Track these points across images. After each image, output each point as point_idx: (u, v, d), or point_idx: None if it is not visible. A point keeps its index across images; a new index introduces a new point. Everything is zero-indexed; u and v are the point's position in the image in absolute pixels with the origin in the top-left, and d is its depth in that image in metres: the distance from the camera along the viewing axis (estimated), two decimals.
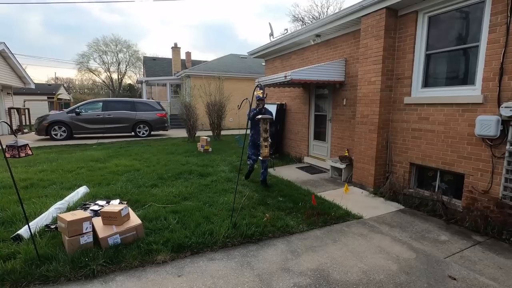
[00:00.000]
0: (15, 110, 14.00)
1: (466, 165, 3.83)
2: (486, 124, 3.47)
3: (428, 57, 4.39)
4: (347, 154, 5.86)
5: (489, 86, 3.55)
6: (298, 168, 6.75)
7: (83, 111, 11.42)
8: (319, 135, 6.98)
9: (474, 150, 3.74)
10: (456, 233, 3.45)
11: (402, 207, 4.29)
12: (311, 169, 6.62)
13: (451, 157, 4.00)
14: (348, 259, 2.87)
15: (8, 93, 14.20)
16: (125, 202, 3.88)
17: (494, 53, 3.47)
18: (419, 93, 4.49)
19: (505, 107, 3.31)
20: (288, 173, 6.22)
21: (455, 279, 2.56)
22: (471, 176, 3.78)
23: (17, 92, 17.13)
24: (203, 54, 75.34)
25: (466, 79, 3.96)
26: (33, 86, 15.45)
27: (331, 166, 6.01)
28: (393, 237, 3.35)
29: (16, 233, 2.96)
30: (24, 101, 17.42)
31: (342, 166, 5.68)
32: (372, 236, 3.37)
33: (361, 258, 2.88)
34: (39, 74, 59.00)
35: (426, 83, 4.44)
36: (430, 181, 4.49)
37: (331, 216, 3.78)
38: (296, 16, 31.59)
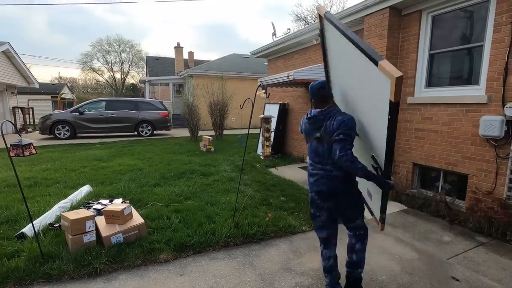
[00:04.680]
0: (19, 109, 14.10)
1: (469, 165, 3.81)
2: (491, 124, 3.44)
3: (431, 57, 4.37)
4: None
5: (493, 86, 3.52)
6: (301, 168, 6.74)
7: (87, 110, 11.47)
8: None
9: (478, 150, 3.71)
10: (459, 234, 3.43)
11: (405, 207, 4.27)
12: None
13: (455, 158, 3.98)
14: None
15: (12, 93, 14.30)
16: (128, 201, 3.89)
17: (498, 53, 3.45)
18: (422, 93, 4.46)
19: (510, 107, 3.28)
20: (290, 173, 6.21)
21: (458, 280, 2.54)
22: (474, 176, 3.75)
23: (22, 91, 17.25)
24: (206, 53, 75.60)
25: (470, 79, 3.93)
26: (37, 86, 15.55)
27: None
28: (396, 237, 3.34)
29: (20, 231, 2.98)
30: (28, 101, 17.52)
31: None
32: (374, 236, 3.35)
33: None
34: (43, 74, 59.79)
35: (430, 83, 4.42)
36: (433, 181, 4.47)
37: None
38: (299, 15, 31.48)
